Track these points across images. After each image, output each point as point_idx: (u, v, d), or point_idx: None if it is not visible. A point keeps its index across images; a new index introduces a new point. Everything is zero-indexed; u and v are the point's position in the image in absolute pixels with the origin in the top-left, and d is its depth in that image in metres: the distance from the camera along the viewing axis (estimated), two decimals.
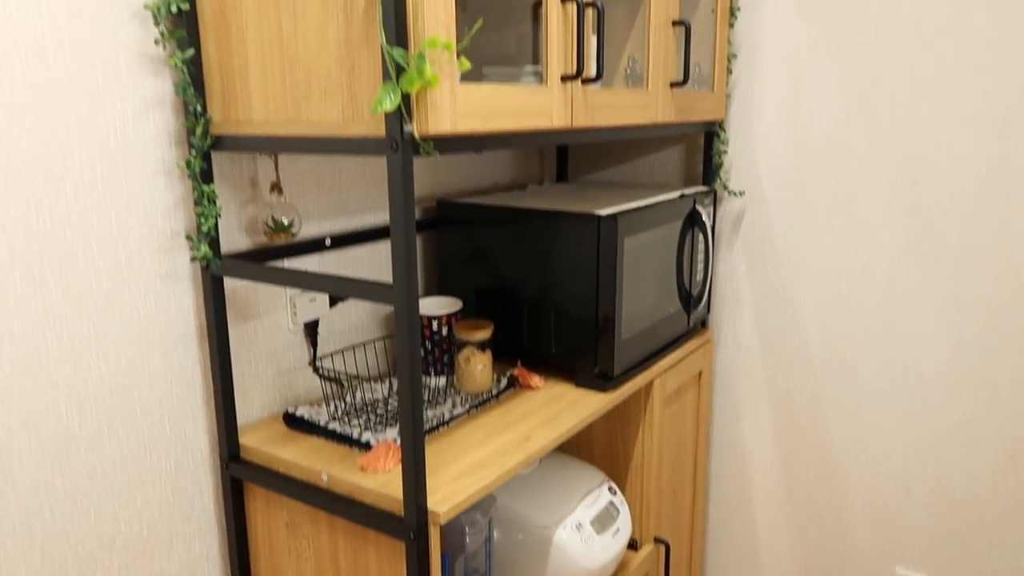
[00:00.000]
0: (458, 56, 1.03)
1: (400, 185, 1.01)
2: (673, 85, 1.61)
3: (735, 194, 1.97)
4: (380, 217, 1.65)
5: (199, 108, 1.19)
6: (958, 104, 1.68)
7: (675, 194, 1.78)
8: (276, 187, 1.34)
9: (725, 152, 1.97)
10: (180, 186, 1.26)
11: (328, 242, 1.48)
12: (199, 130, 1.19)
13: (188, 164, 1.20)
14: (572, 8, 1.24)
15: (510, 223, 1.60)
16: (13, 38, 1.04)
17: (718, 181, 1.95)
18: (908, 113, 1.74)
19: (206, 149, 1.20)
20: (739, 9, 1.89)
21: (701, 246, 1.87)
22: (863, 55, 1.78)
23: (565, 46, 1.25)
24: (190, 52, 1.17)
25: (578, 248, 1.52)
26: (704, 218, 1.83)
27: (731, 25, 1.88)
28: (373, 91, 1.01)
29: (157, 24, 1.17)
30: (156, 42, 1.18)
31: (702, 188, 1.90)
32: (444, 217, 1.69)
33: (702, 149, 2.00)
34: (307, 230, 1.48)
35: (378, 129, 1.02)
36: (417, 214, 1.72)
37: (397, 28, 0.96)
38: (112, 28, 1.14)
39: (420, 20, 0.97)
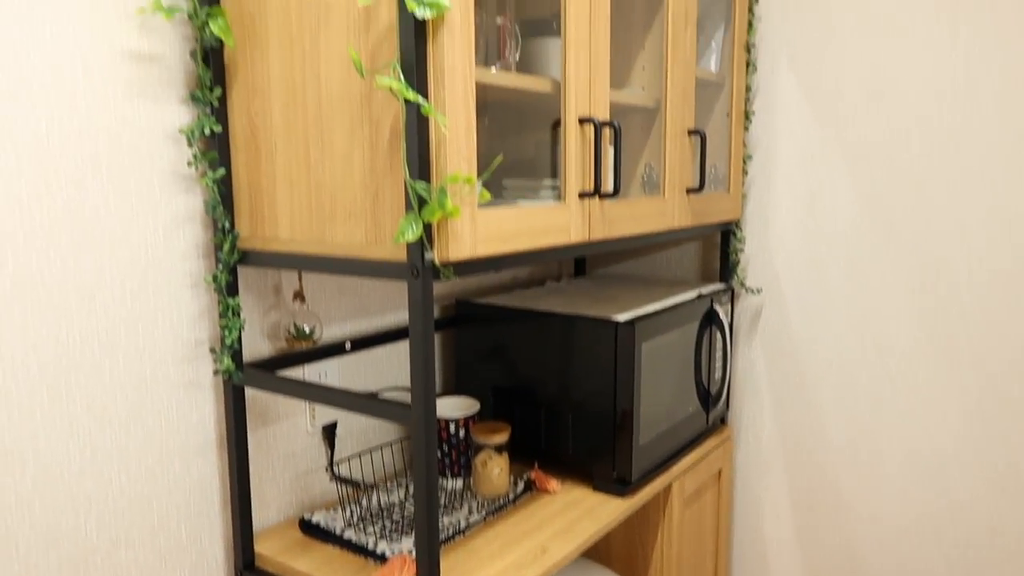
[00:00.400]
0: (481, 182, 1.06)
1: (420, 308, 1.03)
2: (689, 191, 1.64)
3: (752, 291, 1.98)
4: (399, 316, 1.67)
5: (227, 225, 1.23)
6: (972, 203, 1.70)
7: (692, 294, 1.80)
8: (299, 295, 1.37)
9: (742, 250, 1.99)
10: (206, 296, 1.29)
11: (348, 346, 1.50)
12: (227, 246, 1.22)
13: (215, 278, 1.23)
14: (590, 129, 1.28)
15: (528, 325, 1.61)
16: (55, 168, 1.09)
17: (735, 279, 1.97)
18: (923, 211, 1.76)
19: (233, 264, 1.24)
20: (754, 112, 1.93)
21: (719, 344, 1.87)
22: (877, 155, 1.80)
23: (583, 164, 1.28)
24: (221, 172, 1.21)
25: (596, 352, 1.53)
26: (722, 316, 1.84)
27: (746, 128, 1.92)
28: (396, 217, 1.04)
29: (191, 146, 1.22)
30: (189, 164, 1.22)
31: (719, 286, 1.91)
32: (463, 316, 1.71)
33: (719, 245, 2.02)
34: (328, 332, 1.50)
35: (400, 254, 1.05)
36: (436, 312, 1.74)
37: (420, 162, 1.00)
38: (148, 151, 1.19)
39: (443, 155, 1.00)
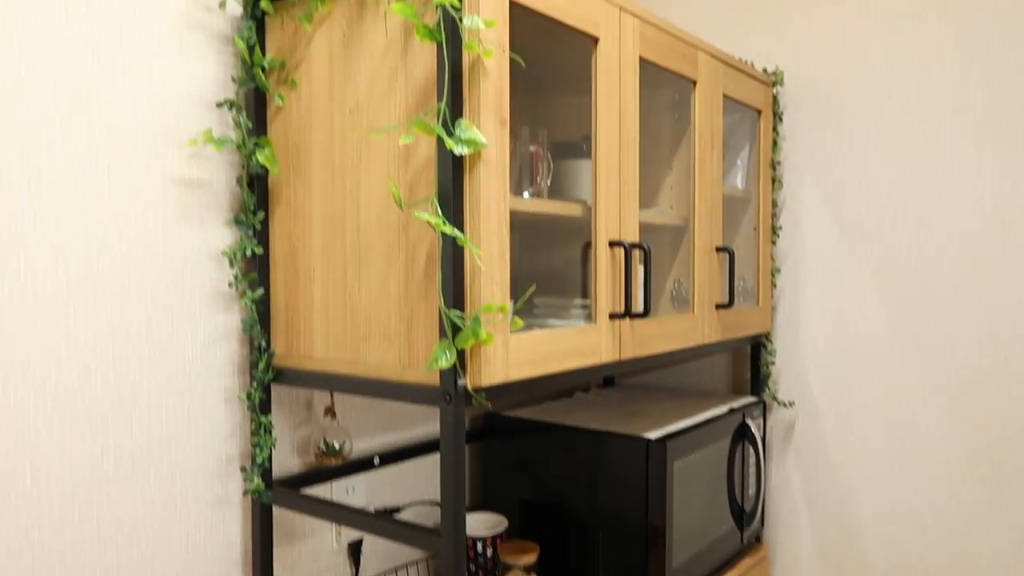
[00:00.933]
0: (513, 307, 1.08)
1: (451, 433, 1.03)
2: (719, 307, 1.65)
3: (785, 405, 1.95)
4: (429, 429, 1.66)
5: (264, 343, 1.26)
6: (1002, 315, 1.68)
7: (724, 408, 1.78)
8: (330, 411, 1.38)
9: (772, 363, 1.97)
10: (239, 412, 1.30)
11: (377, 461, 1.49)
12: (262, 364, 1.25)
13: (249, 396, 1.25)
14: (620, 252, 1.30)
15: (557, 440, 1.60)
16: (103, 290, 1.13)
17: (767, 391, 1.94)
18: (954, 323, 1.74)
19: (267, 382, 1.26)
20: (780, 227, 1.96)
21: (752, 459, 1.83)
22: (904, 270, 1.80)
23: (613, 286, 1.30)
24: (260, 292, 1.25)
25: (626, 470, 1.51)
26: (754, 430, 1.81)
27: (773, 242, 1.94)
28: (430, 342, 1.06)
29: (232, 267, 1.26)
30: (230, 284, 1.26)
31: (751, 399, 1.89)
32: (491, 428, 1.70)
33: (749, 357, 2.01)
34: (358, 446, 1.50)
35: (433, 379, 1.06)
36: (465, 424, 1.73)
37: (455, 290, 1.02)
38: (191, 272, 1.23)
39: (477, 284, 1.03)
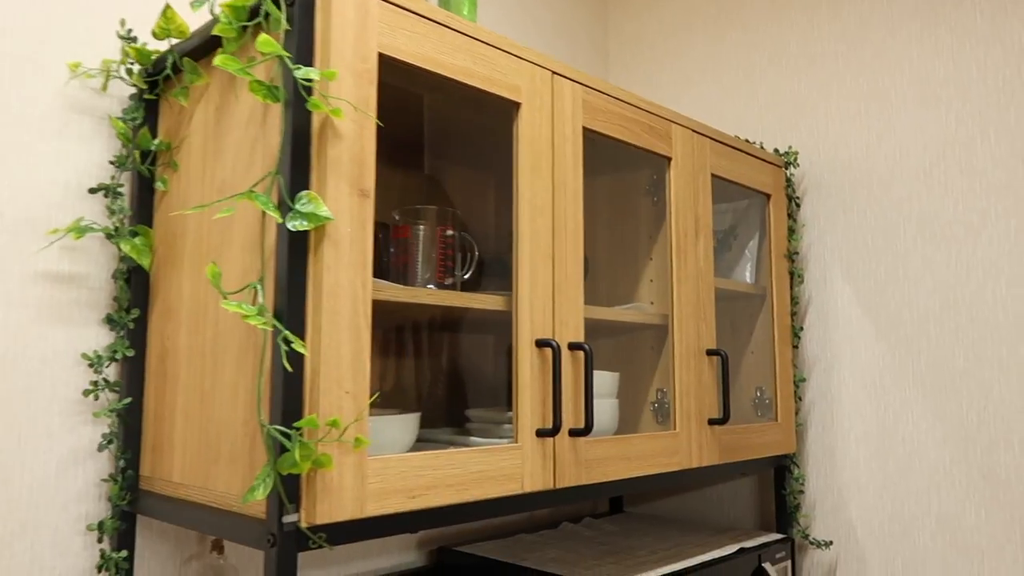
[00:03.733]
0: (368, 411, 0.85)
1: None
2: (712, 423, 1.36)
3: (821, 545, 1.60)
4: (355, 567, 1.41)
5: (123, 462, 1.07)
6: None
7: (731, 548, 1.45)
8: (217, 546, 1.16)
9: (801, 491, 1.63)
10: (95, 549, 1.10)
11: None
12: (115, 488, 1.06)
13: (100, 526, 1.05)
14: (548, 353, 1.07)
15: None
16: None
17: (796, 528, 1.60)
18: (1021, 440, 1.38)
19: (124, 509, 1.06)
20: (802, 328, 1.67)
21: None
22: (959, 377, 1.47)
23: (543, 395, 1.06)
24: (127, 401, 1.07)
25: None
26: None
27: (795, 346, 1.65)
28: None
29: (97, 372, 1.10)
30: (86, 393, 1.09)
31: (773, 537, 1.55)
32: (444, 566, 1.43)
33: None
34: None
35: (262, 513, 0.84)
36: (419, 559, 1.47)
37: (286, 400, 0.81)
38: (51, 377, 1.07)
39: (316, 390, 0.82)
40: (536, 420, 1.05)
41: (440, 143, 1.39)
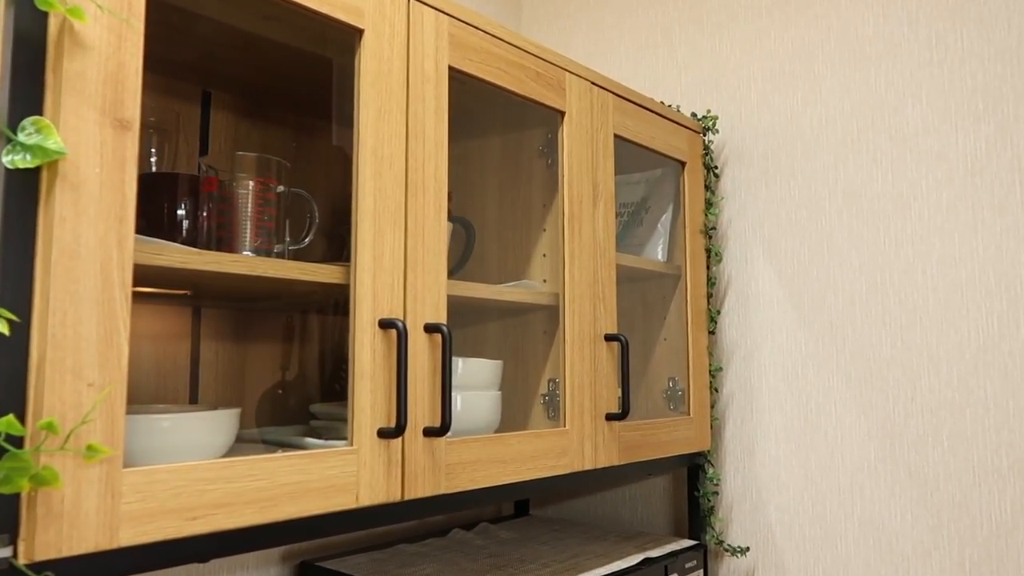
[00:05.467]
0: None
1: None
2: (611, 418, 1.19)
3: (736, 552, 1.44)
4: None
5: None
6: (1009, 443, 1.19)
7: (636, 559, 1.28)
8: None
9: (716, 493, 1.48)
10: None
11: None
12: None
13: None
14: (393, 335, 0.88)
15: None
16: None
17: (710, 533, 1.44)
18: (960, 443, 1.25)
19: None
20: (719, 312, 1.51)
21: None
22: (882, 371, 1.33)
23: (387, 387, 0.87)
24: None
25: None
26: None
27: (711, 332, 1.49)
28: None
29: None
30: None
31: (683, 544, 1.39)
32: None
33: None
34: None
35: None
36: (273, 575, 1.27)
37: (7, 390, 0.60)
38: None
39: (42, 379, 0.61)
40: (379, 418, 0.86)
41: (269, 82, 1.16)
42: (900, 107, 1.35)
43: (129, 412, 0.80)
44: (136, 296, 0.99)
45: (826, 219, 1.41)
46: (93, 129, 0.65)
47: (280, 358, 1.23)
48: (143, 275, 0.78)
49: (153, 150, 1.06)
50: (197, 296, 1.06)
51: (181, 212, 0.96)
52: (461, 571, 1.21)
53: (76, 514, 0.62)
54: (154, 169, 1.01)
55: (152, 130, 1.06)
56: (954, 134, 1.30)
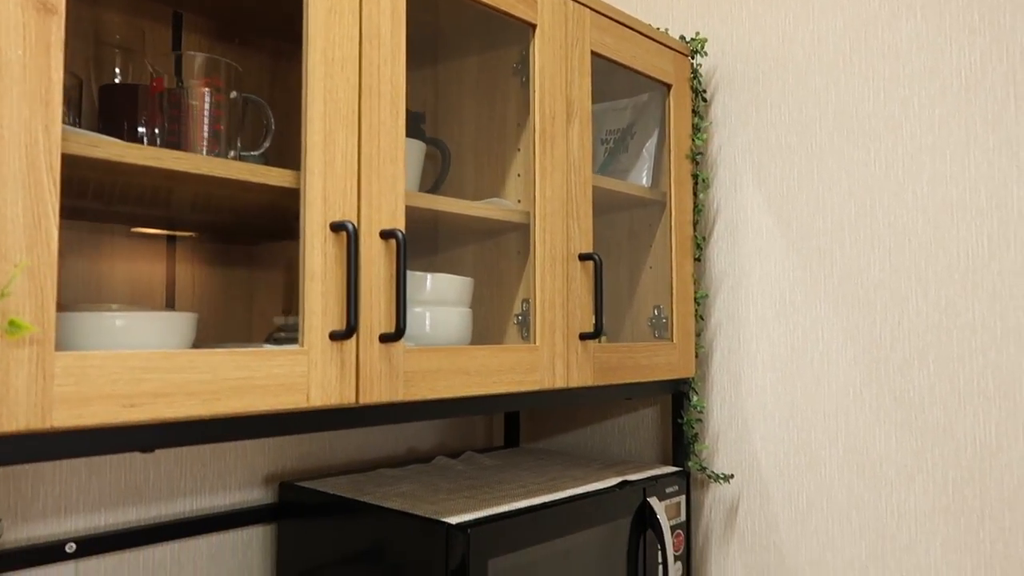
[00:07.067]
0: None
1: None
2: (584, 338, 1.18)
3: (720, 479, 1.44)
4: (219, 499, 1.23)
5: None
6: (1018, 356, 1.16)
7: (612, 482, 1.28)
8: None
9: (700, 420, 1.47)
10: None
11: (72, 548, 1.07)
12: None
13: None
14: (344, 238, 0.87)
15: (357, 523, 1.14)
16: None
17: (692, 460, 1.44)
18: (946, 367, 1.22)
19: None
20: (705, 239, 1.49)
21: (660, 556, 1.32)
22: (870, 295, 1.30)
23: (338, 291, 0.87)
24: None
25: (426, 569, 1.04)
26: (660, 515, 1.30)
27: (697, 259, 1.46)
28: None
29: None
30: None
31: (665, 470, 1.39)
32: (285, 504, 1.26)
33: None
34: (43, 528, 1.08)
35: None
36: (258, 496, 1.30)
37: None
38: None
39: None
40: (332, 321, 0.86)
41: (242, 2, 1.15)
42: (893, 21, 1.30)
43: (84, 309, 0.81)
44: (110, 231, 1.00)
45: (816, 143, 1.37)
46: (15, 11, 0.65)
47: (251, 282, 1.24)
48: (85, 175, 0.78)
49: (117, 69, 1.05)
50: (169, 222, 1.06)
51: (141, 126, 0.96)
52: (434, 491, 1.22)
53: (5, 391, 0.63)
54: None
55: (116, 48, 1.05)
56: (948, 47, 1.25)
